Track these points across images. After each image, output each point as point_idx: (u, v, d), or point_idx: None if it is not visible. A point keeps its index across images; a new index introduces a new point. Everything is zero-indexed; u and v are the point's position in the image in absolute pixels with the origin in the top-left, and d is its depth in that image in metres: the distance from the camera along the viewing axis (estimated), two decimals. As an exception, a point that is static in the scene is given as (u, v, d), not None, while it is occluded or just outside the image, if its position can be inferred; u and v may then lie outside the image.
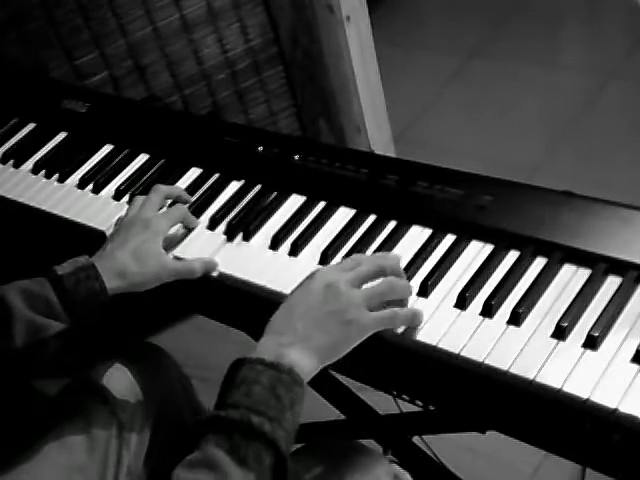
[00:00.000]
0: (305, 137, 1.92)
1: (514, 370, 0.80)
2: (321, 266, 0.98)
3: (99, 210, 1.16)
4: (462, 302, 0.89)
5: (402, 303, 0.89)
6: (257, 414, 0.74)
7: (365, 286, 0.87)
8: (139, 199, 1.06)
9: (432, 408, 1.00)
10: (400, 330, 0.88)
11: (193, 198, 1.13)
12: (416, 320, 0.87)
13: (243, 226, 1.07)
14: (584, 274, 0.88)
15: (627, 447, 0.75)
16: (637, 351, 0.78)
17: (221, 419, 0.74)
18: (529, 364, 0.80)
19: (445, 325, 0.87)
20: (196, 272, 1.01)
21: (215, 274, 1.02)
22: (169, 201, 1.10)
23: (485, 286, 0.90)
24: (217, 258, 1.03)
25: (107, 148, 1.28)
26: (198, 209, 1.12)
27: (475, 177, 1.03)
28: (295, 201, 1.09)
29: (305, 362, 0.80)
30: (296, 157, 1.13)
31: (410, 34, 2.87)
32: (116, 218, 1.11)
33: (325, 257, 0.99)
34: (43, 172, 1.26)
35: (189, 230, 1.08)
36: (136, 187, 1.18)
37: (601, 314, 0.83)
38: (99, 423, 1.01)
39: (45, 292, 0.92)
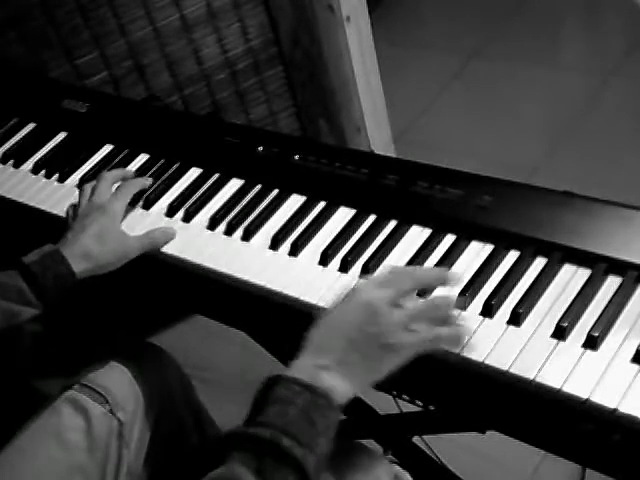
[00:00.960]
0: (305, 137, 1.92)
1: (514, 370, 0.80)
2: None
3: (99, 210, 1.16)
4: (462, 302, 0.88)
5: (450, 320, 0.83)
6: (289, 437, 0.71)
7: (407, 305, 0.82)
8: (88, 187, 1.12)
9: (432, 408, 1.00)
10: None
11: (193, 198, 1.13)
12: (462, 340, 0.83)
13: (243, 226, 1.07)
14: (584, 274, 0.88)
15: (627, 447, 0.75)
16: (637, 351, 0.78)
17: (250, 437, 0.72)
18: (529, 364, 0.80)
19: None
20: (159, 242, 1.06)
21: (215, 274, 1.02)
22: (116, 185, 1.14)
23: (485, 286, 0.90)
24: (217, 258, 1.03)
25: (107, 148, 1.28)
26: (198, 209, 1.12)
27: (475, 177, 1.03)
28: (295, 201, 1.09)
29: (342, 387, 0.76)
30: (296, 157, 1.13)
31: (410, 34, 2.87)
32: (67, 206, 1.14)
33: (325, 257, 0.99)
34: (43, 172, 1.26)
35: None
36: (136, 187, 1.18)
37: (601, 314, 0.83)
38: (99, 423, 1.01)
39: (15, 281, 0.97)
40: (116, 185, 1.14)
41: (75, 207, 1.11)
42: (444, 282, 0.87)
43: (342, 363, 0.77)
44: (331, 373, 0.77)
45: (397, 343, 0.79)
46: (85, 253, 1.02)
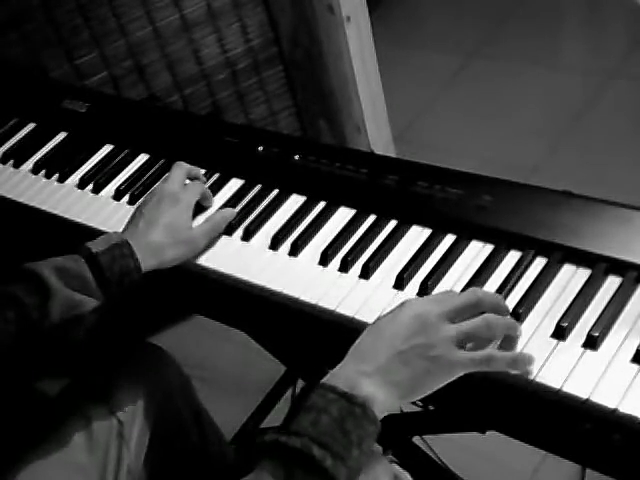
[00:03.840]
0: (305, 137, 1.92)
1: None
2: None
3: (99, 210, 1.16)
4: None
5: (510, 345, 0.81)
6: (320, 446, 0.68)
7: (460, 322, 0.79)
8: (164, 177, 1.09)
9: (432, 408, 1.01)
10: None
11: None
12: (519, 366, 0.78)
13: (243, 226, 1.07)
14: (584, 274, 0.88)
15: (627, 447, 0.75)
16: (637, 351, 0.78)
17: (281, 445, 0.69)
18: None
19: (445, 325, 0.87)
20: (220, 226, 1.05)
21: (215, 274, 1.02)
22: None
23: (485, 286, 0.90)
24: (217, 258, 1.03)
25: (107, 148, 1.28)
26: (198, 209, 1.12)
27: (475, 177, 1.03)
28: (295, 201, 1.09)
29: (381, 397, 0.74)
30: (296, 157, 1.13)
31: (410, 34, 2.87)
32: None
33: (325, 257, 0.99)
34: (43, 172, 1.26)
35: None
36: (136, 187, 1.18)
37: (601, 314, 0.82)
38: (99, 423, 1.01)
39: (80, 269, 0.93)
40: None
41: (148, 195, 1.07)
42: (502, 311, 0.83)
43: (385, 371, 0.75)
44: (372, 380, 0.74)
45: (444, 357, 0.76)
46: (155, 248, 0.98)
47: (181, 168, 1.09)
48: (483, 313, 0.81)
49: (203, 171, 1.15)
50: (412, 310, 0.79)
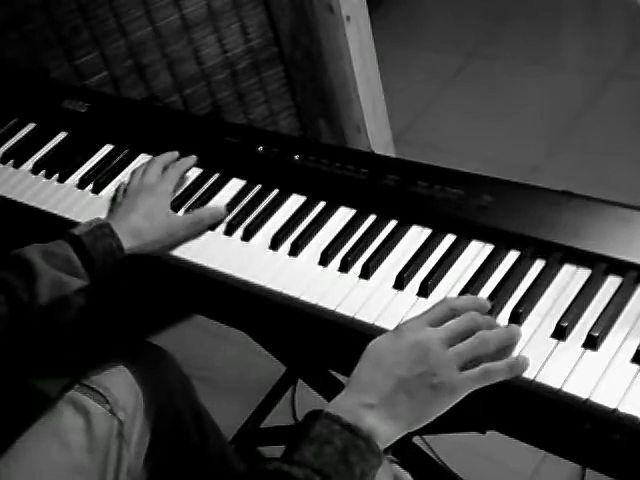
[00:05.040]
0: (305, 137, 1.92)
1: (514, 370, 0.80)
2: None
3: (99, 210, 1.16)
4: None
5: (506, 352, 0.81)
6: (323, 478, 0.69)
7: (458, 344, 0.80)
8: (139, 169, 1.14)
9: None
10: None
11: (193, 198, 1.14)
12: (515, 371, 0.79)
13: (243, 226, 1.07)
14: (584, 274, 0.88)
15: (627, 447, 0.75)
16: (637, 351, 0.78)
17: (284, 474, 0.69)
18: (529, 364, 0.80)
19: (445, 325, 0.87)
20: (204, 221, 1.07)
21: (215, 274, 1.02)
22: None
23: (485, 286, 0.90)
24: (217, 258, 1.03)
25: (107, 148, 1.28)
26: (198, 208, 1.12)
27: (475, 177, 1.03)
28: (295, 201, 1.09)
29: (385, 429, 0.74)
30: (296, 157, 1.13)
31: (410, 34, 2.87)
32: (117, 185, 1.17)
33: (325, 257, 0.99)
34: (43, 172, 1.26)
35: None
36: (136, 187, 1.18)
37: (601, 314, 0.83)
38: (99, 423, 1.01)
39: (65, 251, 0.98)
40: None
41: (125, 187, 1.13)
42: (492, 327, 0.83)
43: (388, 403, 0.75)
44: (375, 413, 0.74)
45: (447, 383, 0.76)
46: (134, 230, 1.03)
47: (156, 162, 1.15)
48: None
49: (177, 153, 1.18)
50: (412, 337, 0.78)
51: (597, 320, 0.82)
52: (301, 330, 0.99)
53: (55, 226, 1.17)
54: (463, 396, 0.78)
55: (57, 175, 1.24)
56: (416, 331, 0.79)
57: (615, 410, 0.74)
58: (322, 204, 1.07)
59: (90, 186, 1.21)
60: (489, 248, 0.95)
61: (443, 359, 0.77)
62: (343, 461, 0.70)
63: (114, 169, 1.23)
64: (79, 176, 1.23)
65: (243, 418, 1.64)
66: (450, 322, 0.81)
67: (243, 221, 1.08)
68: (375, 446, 0.72)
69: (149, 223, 1.04)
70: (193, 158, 1.17)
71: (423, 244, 0.97)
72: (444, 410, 0.77)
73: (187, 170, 1.16)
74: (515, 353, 0.82)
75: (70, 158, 1.26)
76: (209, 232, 1.08)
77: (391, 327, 0.86)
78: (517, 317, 0.85)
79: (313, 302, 0.94)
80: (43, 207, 1.19)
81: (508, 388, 0.80)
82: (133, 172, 1.15)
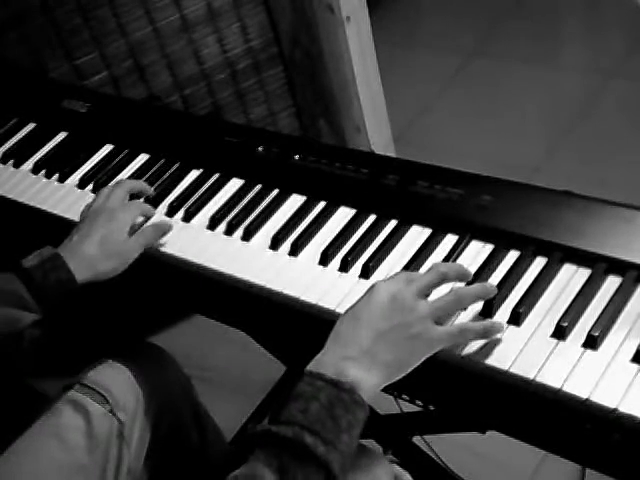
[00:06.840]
0: (305, 137, 1.92)
1: (514, 370, 0.80)
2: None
3: (99, 210, 1.16)
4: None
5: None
6: (311, 434, 0.70)
7: (431, 298, 0.83)
8: (105, 190, 1.11)
9: (432, 408, 1.00)
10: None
11: (193, 198, 1.13)
12: (490, 333, 0.82)
13: (243, 226, 1.07)
14: (584, 274, 0.88)
15: (627, 447, 0.75)
16: (637, 351, 0.78)
17: (272, 435, 0.71)
18: (529, 364, 0.80)
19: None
20: (153, 239, 1.06)
21: (215, 274, 1.02)
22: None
23: (485, 286, 0.90)
24: (217, 258, 1.03)
25: (107, 148, 1.28)
26: (198, 209, 1.12)
27: (475, 177, 1.03)
28: (295, 201, 1.09)
29: (368, 380, 0.76)
30: (296, 157, 1.13)
31: (410, 34, 2.87)
32: (83, 206, 1.12)
33: (325, 257, 0.99)
34: (43, 172, 1.26)
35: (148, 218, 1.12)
36: (136, 187, 1.18)
37: (601, 314, 0.83)
38: (99, 423, 1.01)
39: (14, 286, 0.96)
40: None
41: (90, 205, 1.10)
42: (466, 277, 0.87)
43: (369, 353, 0.77)
44: (356, 364, 0.76)
45: (423, 334, 0.79)
46: (87, 260, 1.01)
47: (123, 186, 1.11)
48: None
49: (151, 189, 1.16)
50: (386, 292, 0.81)
51: (597, 320, 0.82)
52: (301, 330, 0.99)
53: (55, 226, 1.17)
54: (439, 349, 0.80)
55: (57, 175, 1.24)
56: (391, 286, 0.81)
57: (615, 410, 0.74)
58: (322, 204, 1.07)
59: (90, 186, 1.21)
60: (489, 248, 0.95)
61: (418, 311, 0.80)
62: (329, 415, 0.72)
63: (114, 169, 1.23)
64: (79, 176, 1.23)
65: (243, 418, 1.64)
66: (421, 274, 0.84)
67: (243, 221, 1.08)
68: (359, 397, 0.74)
69: (104, 252, 1.02)
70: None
71: (423, 244, 0.97)
72: (420, 361, 0.79)
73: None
74: (515, 352, 0.82)
75: (70, 158, 1.26)
76: (209, 232, 1.08)
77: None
78: (517, 317, 0.85)
79: (313, 302, 0.94)
80: (43, 207, 1.19)
81: (508, 388, 0.80)
82: (99, 192, 1.12)
